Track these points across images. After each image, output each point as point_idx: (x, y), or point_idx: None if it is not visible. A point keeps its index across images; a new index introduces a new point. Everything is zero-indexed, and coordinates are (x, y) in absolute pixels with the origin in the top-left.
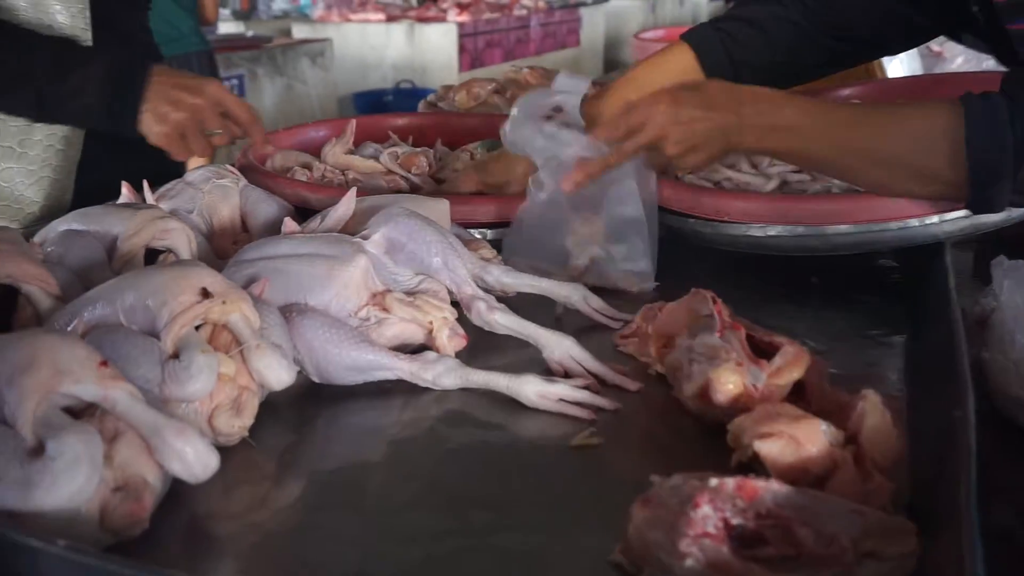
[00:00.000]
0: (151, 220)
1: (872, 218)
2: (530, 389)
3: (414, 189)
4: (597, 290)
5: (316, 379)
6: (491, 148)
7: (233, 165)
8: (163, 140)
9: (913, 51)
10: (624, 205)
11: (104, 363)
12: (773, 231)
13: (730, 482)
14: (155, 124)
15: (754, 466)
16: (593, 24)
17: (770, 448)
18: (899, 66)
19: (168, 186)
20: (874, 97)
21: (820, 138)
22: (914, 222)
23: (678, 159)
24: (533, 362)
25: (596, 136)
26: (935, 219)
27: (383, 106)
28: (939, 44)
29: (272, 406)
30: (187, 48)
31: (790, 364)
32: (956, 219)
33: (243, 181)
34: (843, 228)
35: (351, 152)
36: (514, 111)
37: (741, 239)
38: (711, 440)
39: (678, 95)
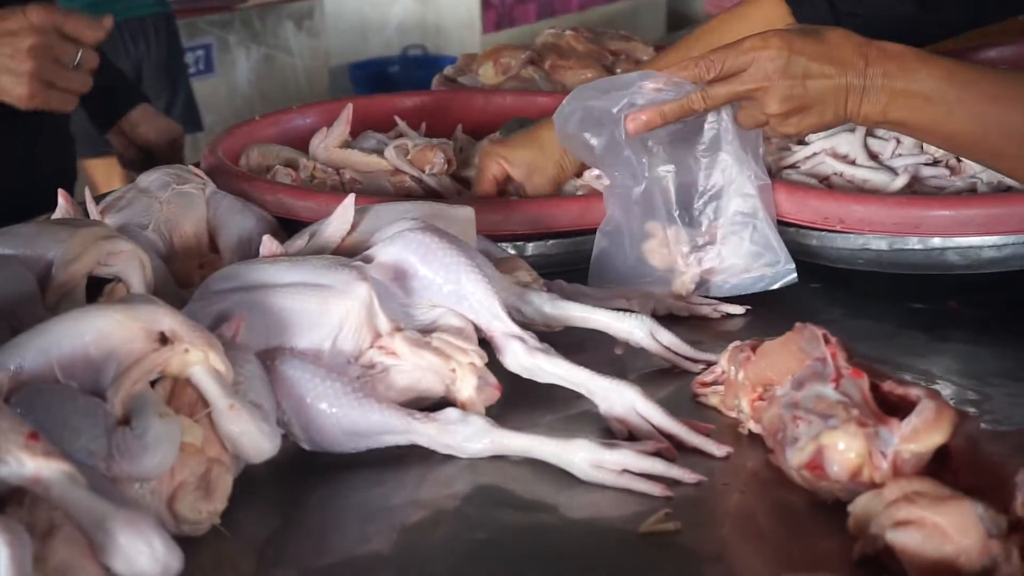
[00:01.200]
0: (94, 240)
1: None
2: (583, 457)
3: (429, 193)
4: (669, 322)
5: (307, 446)
6: (513, 129)
7: (197, 165)
8: (32, 100)
9: None
10: (725, 186)
11: (34, 435)
12: (901, 244)
13: None
14: (10, 87)
15: (886, 562)
16: None
17: (907, 539)
18: None
19: (116, 194)
20: None
21: (962, 111)
22: None
23: (778, 121)
24: (587, 420)
25: (681, 72)
26: None
27: (387, 79)
28: None
29: (251, 483)
30: (139, 11)
31: (930, 424)
32: None
33: (211, 186)
34: (995, 239)
35: (347, 145)
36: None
37: (859, 254)
38: (826, 525)
39: (792, 39)
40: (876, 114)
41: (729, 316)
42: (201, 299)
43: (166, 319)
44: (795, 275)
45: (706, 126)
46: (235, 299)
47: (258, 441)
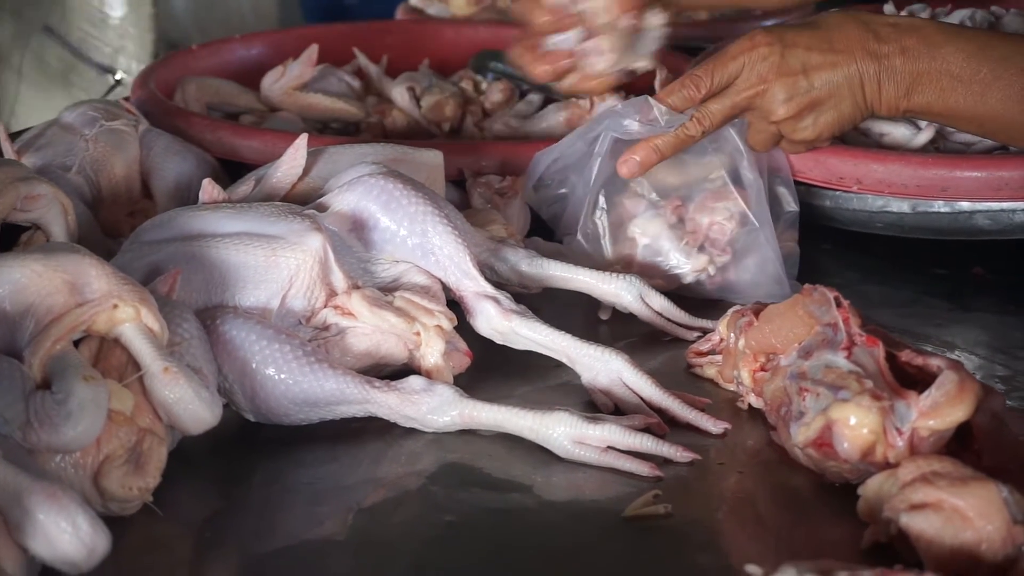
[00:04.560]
0: (10, 183)
1: None
2: (563, 432)
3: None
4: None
5: (251, 417)
6: (483, 65)
7: (127, 100)
8: None
9: None
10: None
11: None
12: (926, 207)
13: None
14: None
15: (899, 550)
16: None
17: (923, 524)
18: None
19: (35, 131)
20: None
21: (998, 91)
22: None
23: (791, 126)
24: (568, 391)
25: (666, 99)
26: None
27: (343, 9)
28: None
29: (188, 458)
30: None
31: (952, 398)
32: None
33: (143, 124)
34: None
35: (306, 87)
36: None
37: (878, 216)
38: (833, 509)
39: (783, 33)
40: (898, 100)
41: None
42: (132, 250)
43: (92, 270)
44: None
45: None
46: (171, 250)
47: (196, 410)
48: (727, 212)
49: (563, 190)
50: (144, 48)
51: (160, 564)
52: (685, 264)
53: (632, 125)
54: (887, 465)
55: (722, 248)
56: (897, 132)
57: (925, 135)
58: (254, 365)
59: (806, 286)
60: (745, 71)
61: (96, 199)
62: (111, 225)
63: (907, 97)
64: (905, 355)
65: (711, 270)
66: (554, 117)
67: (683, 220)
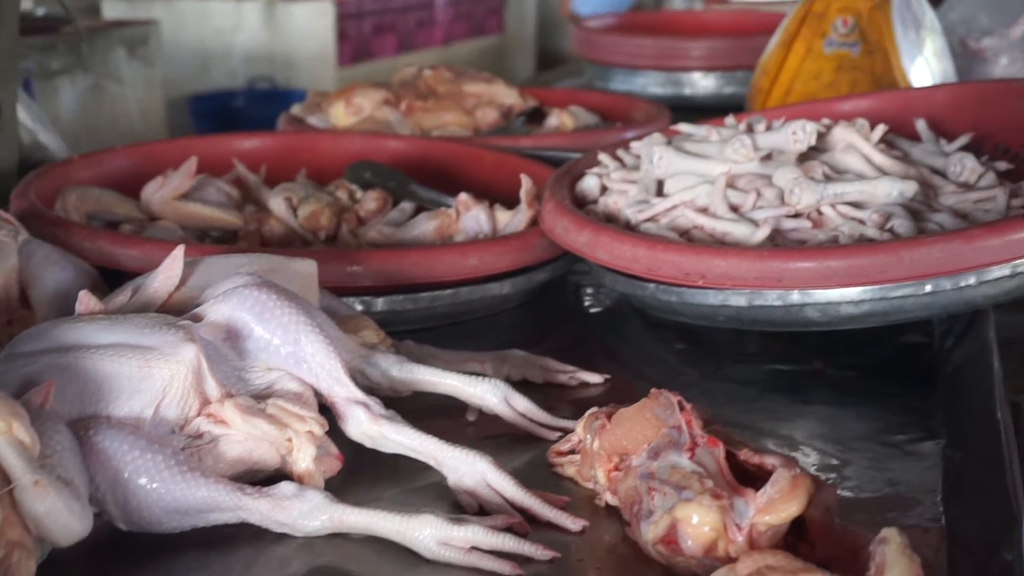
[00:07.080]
0: None
1: (891, 277)
2: (429, 534)
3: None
4: (524, 388)
5: (123, 526)
6: (359, 174)
7: (6, 209)
8: None
9: (943, 47)
10: None
11: None
12: (761, 299)
13: None
14: None
15: None
16: (521, 3)
17: None
18: (924, 68)
19: None
20: (889, 113)
21: None
22: (945, 283)
23: None
24: (435, 492)
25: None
26: (971, 279)
27: (230, 113)
28: (977, 39)
29: (58, 569)
30: None
31: (785, 494)
32: (999, 279)
33: (23, 233)
34: (852, 293)
35: (184, 197)
36: None
37: (720, 311)
38: None
39: None
40: None
41: (586, 384)
42: (6, 361)
43: None
44: None
45: None
46: (45, 361)
47: (66, 521)
48: None
49: None
50: None
51: None
52: None
53: None
54: (729, 559)
55: None
56: (738, 231)
57: (762, 232)
58: (126, 475)
59: (653, 390)
60: None
61: None
62: None
63: None
64: (743, 454)
65: None
66: (424, 225)
67: None
